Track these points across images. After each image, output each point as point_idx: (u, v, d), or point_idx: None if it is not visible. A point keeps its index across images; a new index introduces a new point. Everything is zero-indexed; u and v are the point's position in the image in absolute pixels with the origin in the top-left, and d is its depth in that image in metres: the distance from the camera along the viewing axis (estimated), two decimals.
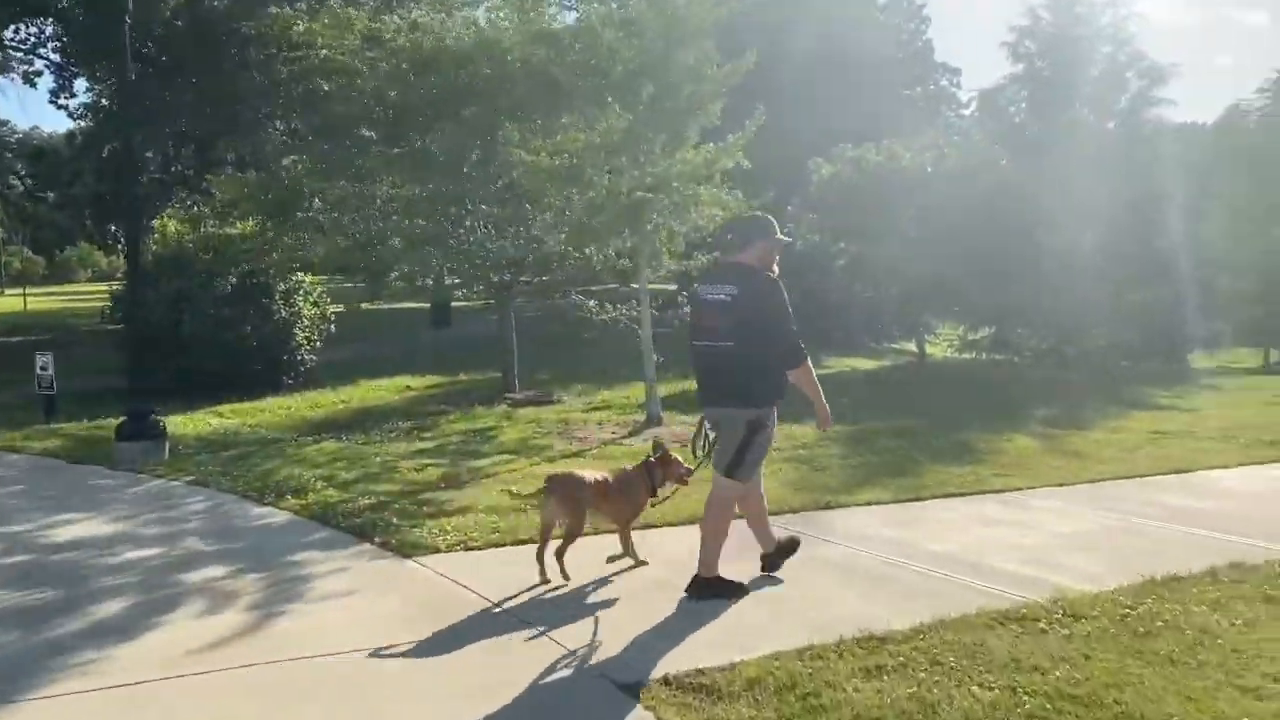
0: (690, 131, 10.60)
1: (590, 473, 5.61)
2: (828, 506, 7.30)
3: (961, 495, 7.77)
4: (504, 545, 6.18)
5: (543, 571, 5.38)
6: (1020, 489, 7.99)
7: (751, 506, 5.45)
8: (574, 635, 4.59)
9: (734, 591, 5.13)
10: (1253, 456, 9.52)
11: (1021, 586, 5.22)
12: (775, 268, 5.19)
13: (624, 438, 10.54)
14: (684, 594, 5.10)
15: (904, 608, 4.91)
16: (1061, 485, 8.16)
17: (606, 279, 17.39)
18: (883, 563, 5.81)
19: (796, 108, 28.69)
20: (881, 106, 36.85)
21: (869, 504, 7.41)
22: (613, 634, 4.61)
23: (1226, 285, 26.43)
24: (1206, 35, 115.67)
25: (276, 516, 7.26)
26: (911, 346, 26.90)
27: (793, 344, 5.02)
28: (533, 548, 5.53)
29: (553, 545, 5.42)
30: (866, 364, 22.24)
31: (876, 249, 21.40)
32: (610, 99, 10.29)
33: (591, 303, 13.74)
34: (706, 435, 5.37)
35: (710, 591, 5.08)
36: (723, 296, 5.04)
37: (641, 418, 11.59)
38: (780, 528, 6.14)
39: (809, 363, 5.09)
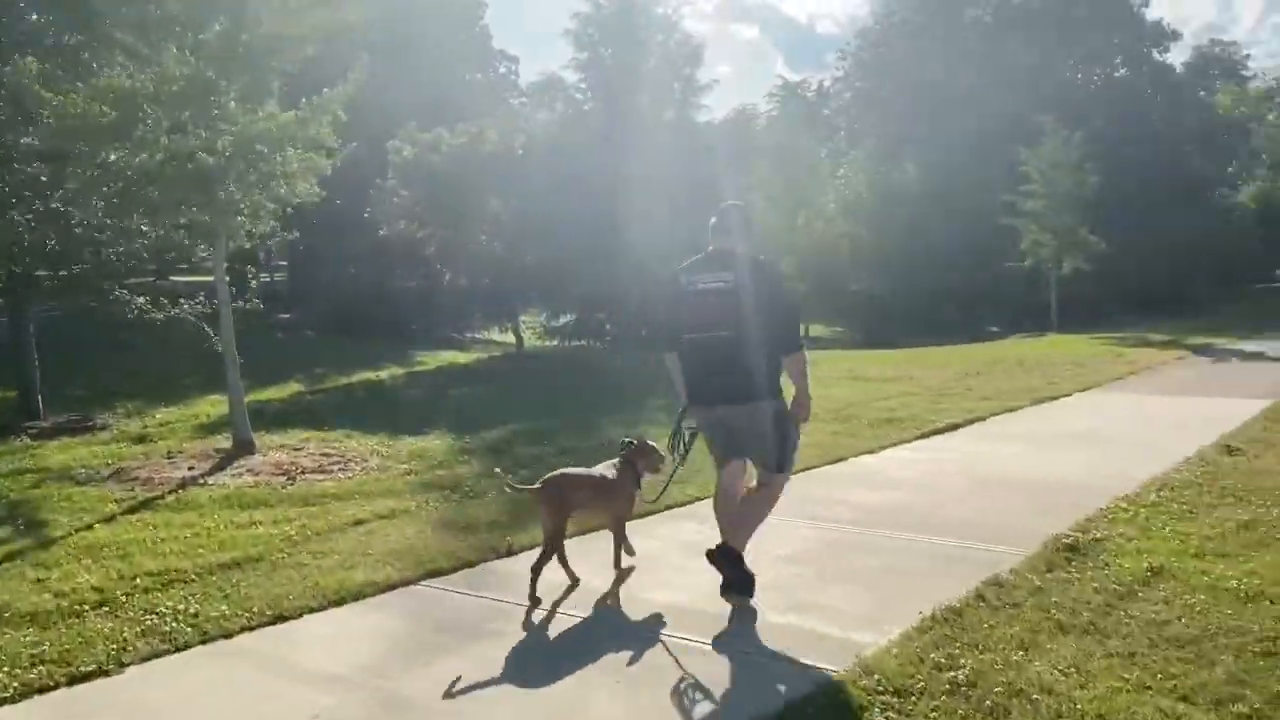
0: (272, 80, 8.46)
1: (583, 470, 5.28)
2: (508, 553, 5.83)
3: (649, 513, 6.67)
4: (57, 686, 3.95)
5: (570, 574, 5.12)
6: (702, 499, 7.08)
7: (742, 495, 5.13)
8: None
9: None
10: (884, 439, 9.55)
11: (803, 648, 4.18)
12: None
13: (209, 474, 8.06)
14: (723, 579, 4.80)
15: (681, 713, 3.66)
16: None
17: (145, 270, 14.45)
18: (614, 632, 4.51)
19: (366, 84, 26.48)
20: (446, 90, 35.64)
21: None
22: None
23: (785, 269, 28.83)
24: (709, 45, 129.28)
25: None
26: (496, 336, 26.20)
27: (795, 329, 4.98)
28: (107, 680, 4.05)
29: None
30: (463, 357, 20.96)
31: (464, 235, 20.23)
32: (165, 36, 7.81)
33: (141, 298, 11.03)
34: (683, 434, 5.16)
35: (742, 569, 4.84)
36: (720, 284, 4.80)
37: (227, 443, 9.11)
38: (454, 591, 4.66)
39: (805, 350, 4.88)
